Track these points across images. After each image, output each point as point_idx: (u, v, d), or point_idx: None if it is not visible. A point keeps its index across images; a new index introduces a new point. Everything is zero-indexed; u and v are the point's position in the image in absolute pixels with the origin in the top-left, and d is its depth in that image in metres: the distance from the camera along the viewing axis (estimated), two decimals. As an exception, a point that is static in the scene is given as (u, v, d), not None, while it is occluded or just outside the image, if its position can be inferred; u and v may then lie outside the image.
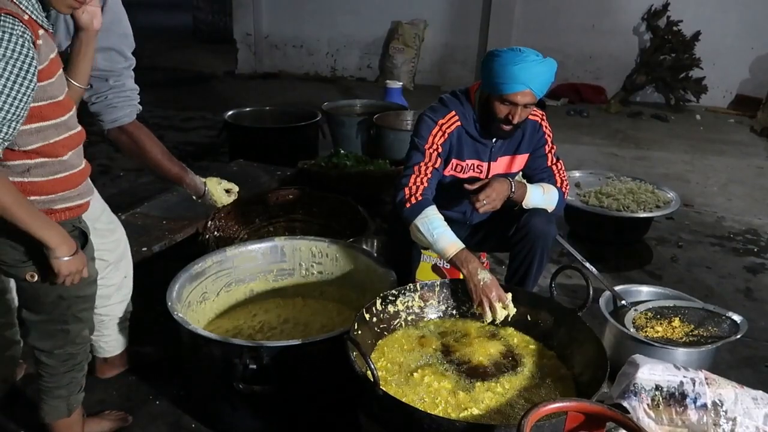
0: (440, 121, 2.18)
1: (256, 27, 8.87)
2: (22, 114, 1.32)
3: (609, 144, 5.70)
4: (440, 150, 2.16)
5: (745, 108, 7.00)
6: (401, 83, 6.12)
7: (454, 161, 2.25)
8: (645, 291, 2.60)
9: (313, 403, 1.93)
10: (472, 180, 2.16)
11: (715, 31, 6.87)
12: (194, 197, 2.24)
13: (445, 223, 2.05)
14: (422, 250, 2.52)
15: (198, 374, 2.03)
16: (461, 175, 2.27)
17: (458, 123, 2.19)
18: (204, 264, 2.26)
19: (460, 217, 2.39)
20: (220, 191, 2.23)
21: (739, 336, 2.23)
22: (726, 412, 1.67)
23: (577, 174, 3.88)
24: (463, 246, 2.02)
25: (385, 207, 2.45)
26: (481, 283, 1.95)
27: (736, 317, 2.31)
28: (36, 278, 1.49)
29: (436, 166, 2.16)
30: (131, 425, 2.03)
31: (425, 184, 2.10)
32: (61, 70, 1.49)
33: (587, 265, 2.53)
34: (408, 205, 2.07)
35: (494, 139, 2.22)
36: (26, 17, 1.33)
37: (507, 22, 7.56)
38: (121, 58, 1.89)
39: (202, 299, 2.27)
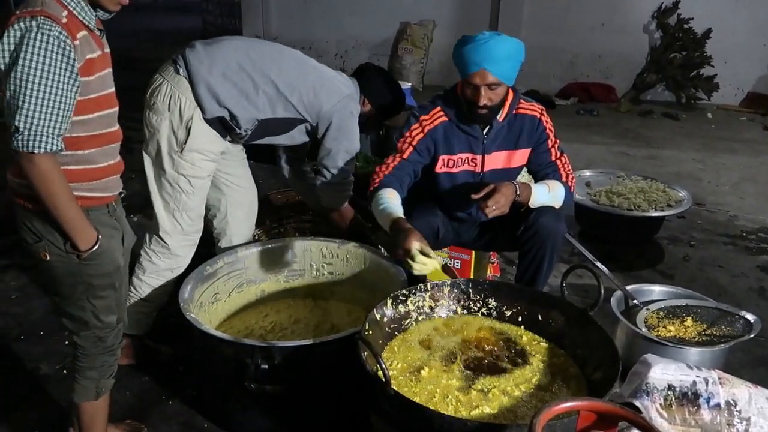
0: (422, 117, 2.23)
1: (265, 29, 8.91)
2: (70, 108, 1.42)
3: (619, 143, 5.67)
4: (415, 143, 2.20)
5: (757, 106, 6.94)
6: (410, 84, 6.13)
7: (444, 157, 2.25)
8: (657, 290, 2.58)
9: (324, 403, 1.93)
10: (477, 187, 2.12)
11: (726, 28, 6.82)
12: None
13: (392, 199, 2.07)
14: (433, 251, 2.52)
15: (210, 374, 2.05)
16: (454, 170, 2.27)
17: (443, 118, 2.22)
18: (216, 265, 2.27)
19: (466, 217, 2.39)
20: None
21: (752, 335, 2.21)
22: (740, 412, 1.66)
23: (587, 173, 3.86)
24: (398, 216, 2.00)
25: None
26: (401, 235, 1.89)
27: (750, 316, 2.29)
28: (48, 258, 1.53)
29: (405, 156, 2.20)
30: (144, 425, 2.04)
31: (389, 170, 2.17)
32: (106, 71, 1.56)
33: (598, 264, 2.52)
34: (370, 189, 2.15)
35: (485, 131, 2.22)
36: (65, 20, 1.41)
37: (516, 22, 7.55)
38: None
39: (214, 300, 2.28)
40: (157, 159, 2.16)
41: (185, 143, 2.11)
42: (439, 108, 2.24)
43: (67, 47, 1.39)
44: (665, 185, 3.63)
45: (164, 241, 2.21)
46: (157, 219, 2.21)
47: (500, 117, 2.20)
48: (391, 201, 2.08)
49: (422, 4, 8.01)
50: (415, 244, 1.86)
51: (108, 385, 1.76)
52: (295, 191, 2.80)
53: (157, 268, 2.24)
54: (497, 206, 2.05)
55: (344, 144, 2.31)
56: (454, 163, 2.26)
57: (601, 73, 7.59)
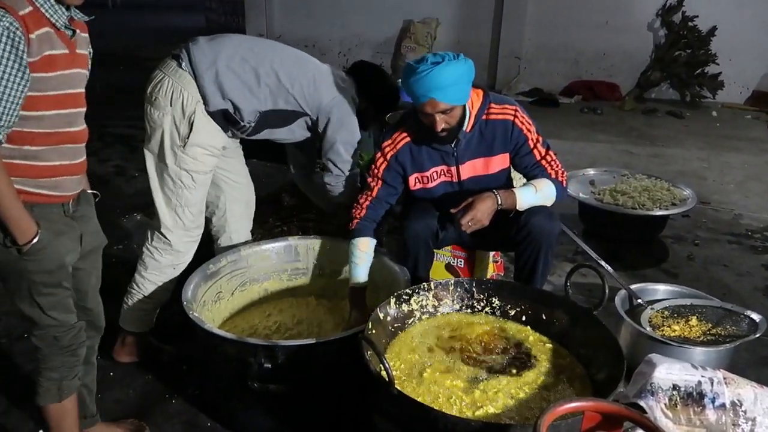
0: (384, 144, 2.27)
1: (269, 27, 8.91)
2: (15, 101, 1.39)
3: (624, 141, 5.65)
4: (381, 175, 2.26)
5: (762, 104, 6.91)
6: (413, 82, 6.10)
7: (415, 176, 2.27)
8: (661, 289, 2.57)
9: (327, 403, 1.93)
10: (459, 197, 2.14)
11: (732, 26, 6.79)
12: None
13: (361, 259, 2.21)
14: (435, 250, 2.51)
15: (213, 373, 2.05)
16: (430, 185, 2.28)
17: (407, 139, 2.24)
18: (219, 263, 2.27)
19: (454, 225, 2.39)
20: None
21: (758, 335, 2.20)
22: (745, 412, 1.65)
23: (591, 172, 3.85)
24: (360, 284, 2.20)
25: (397, 206, 2.45)
26: (353, 311, 2.16)
27: (755, 316, 2.28)
28: None
29: (374, 195, 2.27)
30: (148, 424, 2.04)
31: (363, 212, 2.25)
32: (72, 70, 1.52)
33: (602, 263, 2.51)
34: (351, 225, 2.25)
35: (453, 144, 2.21)
36: (24, 12, 1.39)
37: (519, 20, 7.53)
38: None
39: (217, 298, 2.28)
40: (159, 154, 2.16)
41: (188, 138, 2.12)
42: (401, 130, 2.26)
43: (17, 38, 1.36)
44: (669, 184, 3.61)
45: (166, 237, 2.22)
46: (158, 215, 2.22)
47: (466, 127, 2.18)
48: (360, 262, 2.20)
49: (426, 2, 8.00)
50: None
51: (72, 387, 1.71)
52: (309, 196, 2.82)
53: (159, 265, 2.25)
54: (473, 221, 2.06)
55: (346, 136, 2.33)
56: (428, 179, 2.27)
57: (606, 72, 7.57)
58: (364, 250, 2.22)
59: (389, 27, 8.27)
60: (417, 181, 2.28)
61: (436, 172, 2.26)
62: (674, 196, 3.48)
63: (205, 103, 2.13)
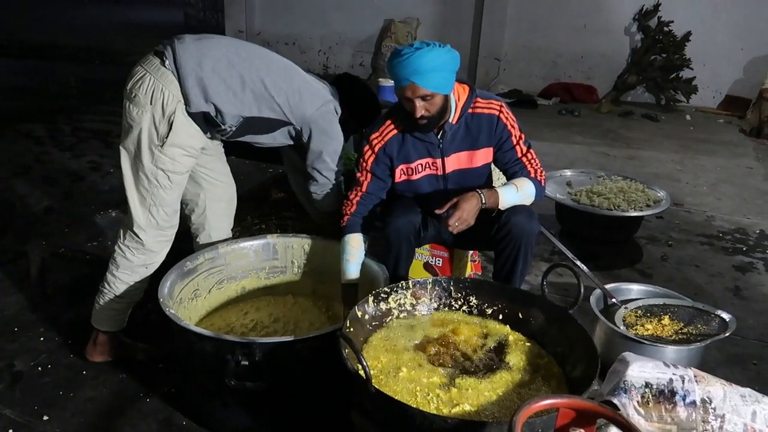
0: (372, 136, 2.27)
1: (249, 24, 8.84)
2: None
3: (600, 143, 5.73)
4: (369, 168, 2.27)
5: (734, 108, 7.06)
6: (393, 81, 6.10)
7: (401, 167, 2.28)
8: (635, 289, 2.61)
9: (305, 401, 1.93)
10: (443, 193, 2.17)
11: (706, 31, 6.93)
12: None
13: (352, 256, 2.22)
14: (416, 249, 2.52)
15: (190, 371, 2.03)
16: (414, 177, 2.29)
17: (394, 130, 2.25)
18: (196, 261, 2.25)
19: (437, 221, 2.40)
20: None
21: (727, 334, 2.25)
22: (715, 409, 1.68)
23: (568, 173, 3.89)
24: (352, 281, 2.21)
25: (377, 206, 2.46)
26: (345, 305, 2.13)
27: (725, 315, 2.33)
28: None
29: (364, 189, 2.27)
30: (122, 423, 2.02)
31: (354, 208, 2.26)
32: None
33: (578, 263, 2.55)
34: (342, 222, 2.25)
35: (439, 135, 2.23)
36: None
37: (499, 21, 7.59)
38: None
39: (194, 296, 2.26)
40: (135, 152, 2.12)
41: (166, 137, 2.08)
42: (389, 121, 2.26)
43: None
44: (644, 185, 3.67)
45: (138, 237, 2.18)
46: (131, 214, 2.17)
47: (452, 119, 2.20)
48: (352, 258, 2.21)
49: (406, 2, 8.01)
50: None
51: None
52: (301, 201, 2.79)
53: (131, 264, 2.21)
54: (460, 221, 2.07)
55: (330, 145, 2.32)
56: (413, 171, 2.28)
57: (583, 74, 7.66)
58: (355, 247, 2.22)
59: (370, 26, 8.27)
60: (402, 173, 2.28)
61: (422, 164, 2.27)
62: (649, 197, 3.53)
63: (187, 103, 2.09)
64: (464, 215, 2.07)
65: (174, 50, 2.09)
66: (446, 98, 2.14)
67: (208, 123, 2.17)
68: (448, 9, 7.91)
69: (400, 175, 2.29)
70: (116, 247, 2.22)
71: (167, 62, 2.08)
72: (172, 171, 2.14)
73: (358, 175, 2.30)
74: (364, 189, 2.28)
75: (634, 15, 7.19)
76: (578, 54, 7.60)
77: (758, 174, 5.06)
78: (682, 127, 6.54)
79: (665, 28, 6.93)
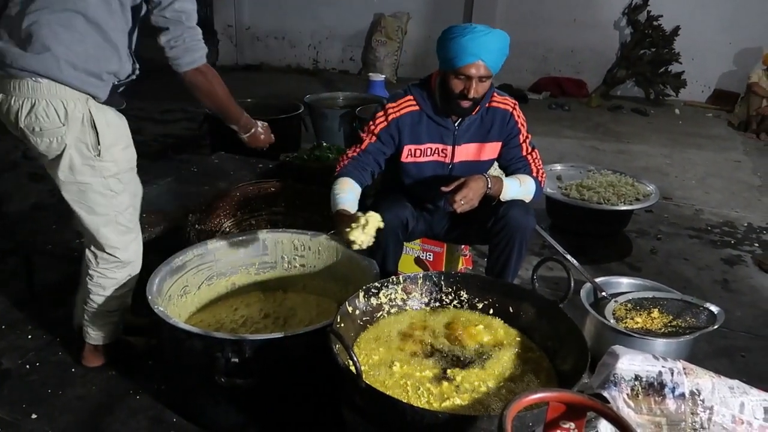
0: (388, 106, 2.24)
1: (238, 18, 8.78)
2: None
3: (590, 137, 5.75)
4: (377, 131, 2.23)
5: (722, 102, 7.11)
6: (384, 76, 6.11)
7: (410, 147, 2.25)
8: (625, 282, 2.63)
9: (296, 397, 1.92)
10: (447, 179, 2.13)
11: (695, 26, 6.96)
12: (242, 135, 2.36)
13: (343, 190, 2.11)
14: (405, 243, 2.52)
15: (179, 368, 2.01)
16: (421, 160, 2.27)
17: (414, 107, 2.22)
18: (185, 257, 2.23)
19: (434, 208, 2.40)
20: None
21: (716, 326, 2.27)
22: (703, 401, 1.70)
23: (558, 167, 3.90)
24: (341, 207, 2.04)
25: (367, 200, 2.45)
26: (340, 224, 1.94)
27: (714, 308, 2.34)
28: None
29: (364, 147, 2.23)
30: (112, 420, 2.01)
31: (348, 160, 2.22)
32: None
33: (568, 257, 2.55)
34: (335, 173, 2.21)
35: (457, 123, 2.23)
36: None
37: (490, 15, 7.58)
38: None
39: (183, 293, 2.25)
40: (74, 177, 1.88)
41: (98, 144, 1.88)
42: (410, 97, 2.24)
43: None
44: (634, 179, 3.69)
45: (115, 256, 2.04)
46: (98, 239, 1.99)
47: (473, 110, 2.21)
48: (342, 191, 2.11)
49: (396, -4, 7.99)
50: (366, 218, 1.87)
51: None
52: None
53: (117, 281, 2.09)
54: (465, 200, 2.06)
55: None
56: (421, 153, 2.27)
57: (573, 68, 7.68)
58: (344, 186, 2.12)
59: (360, 20, 8.24)
60: (410, 153, 2.27)
61: (431, 148, 2.26)
62: (638, 191, 3.55)
63: (93, 96, 1.85)
64: (470, 194, 2.06)
65: (26, 65, 1.76)
66: (492, 84, 2.16)
67: (122, 93, 1.96)
68: (438, 3, 7.90)
69: (407, 155, 2.27)
70: (92, 273, 2.06)
71: (32, 78, 1.77)
72: (120, 171, 1.95)
73: (363, 135, 2.26)
74: (363, 147, 2.24)
75: (624, 9, 7.22)
76: (568, 48, 7.61)
77: (746, 167, 5.10)
78: (671, 121, 6.57)
79: (654, 23, 6.96)
